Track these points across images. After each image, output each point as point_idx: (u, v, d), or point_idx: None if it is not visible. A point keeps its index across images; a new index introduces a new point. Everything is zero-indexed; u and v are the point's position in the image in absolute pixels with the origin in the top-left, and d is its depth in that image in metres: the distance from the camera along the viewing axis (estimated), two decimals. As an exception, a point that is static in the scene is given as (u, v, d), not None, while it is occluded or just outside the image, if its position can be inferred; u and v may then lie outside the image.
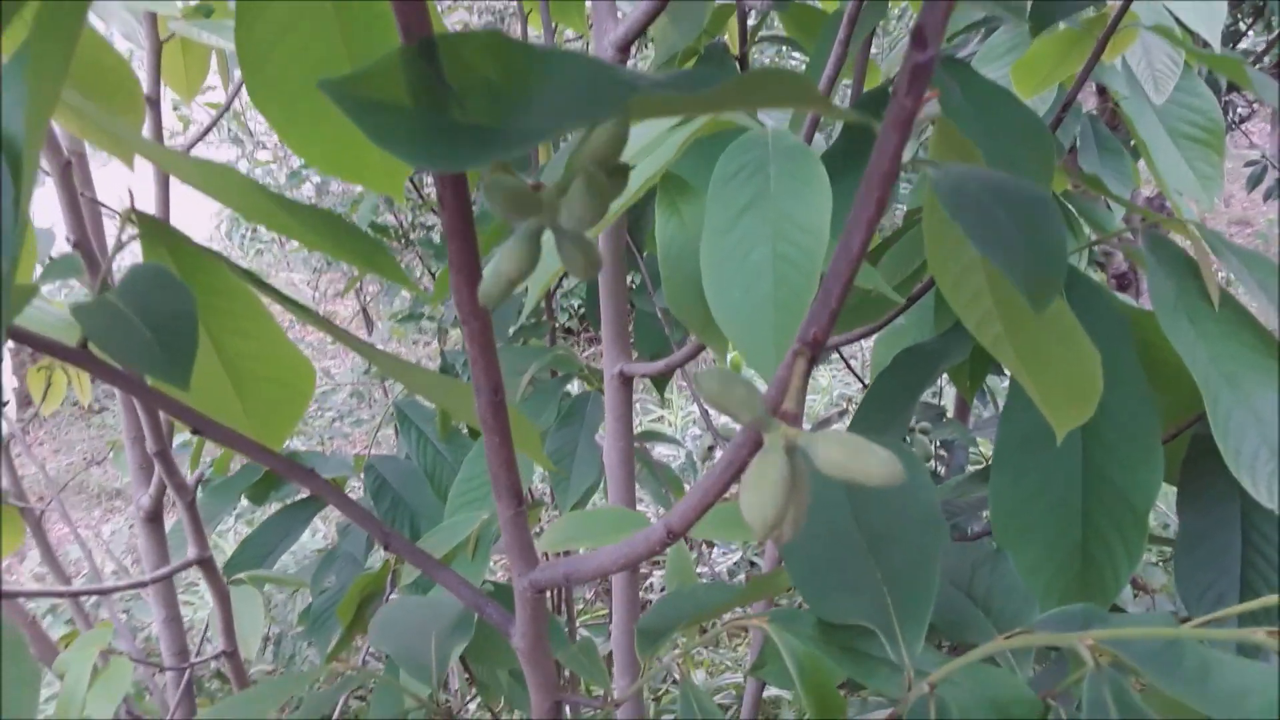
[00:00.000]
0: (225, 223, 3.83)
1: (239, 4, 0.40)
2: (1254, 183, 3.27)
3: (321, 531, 2.18)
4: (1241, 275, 0.64)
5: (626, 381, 0.76)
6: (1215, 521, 0.69)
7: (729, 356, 3.34)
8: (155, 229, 0.41)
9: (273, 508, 1.44)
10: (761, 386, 0.35)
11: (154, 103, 0.98)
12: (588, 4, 0.88)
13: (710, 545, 2.38)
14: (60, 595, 0.76)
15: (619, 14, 0.73)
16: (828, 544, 0.46)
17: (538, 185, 0.27)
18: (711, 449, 2.27)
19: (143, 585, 0.79)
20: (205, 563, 0.82)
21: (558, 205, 0.26)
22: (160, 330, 0.33)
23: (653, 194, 0.96)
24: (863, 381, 1.46)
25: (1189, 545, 0.69)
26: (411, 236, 1.61)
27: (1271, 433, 0.58)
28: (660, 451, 2.43)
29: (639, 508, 1.07)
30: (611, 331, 0.76)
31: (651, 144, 0.60)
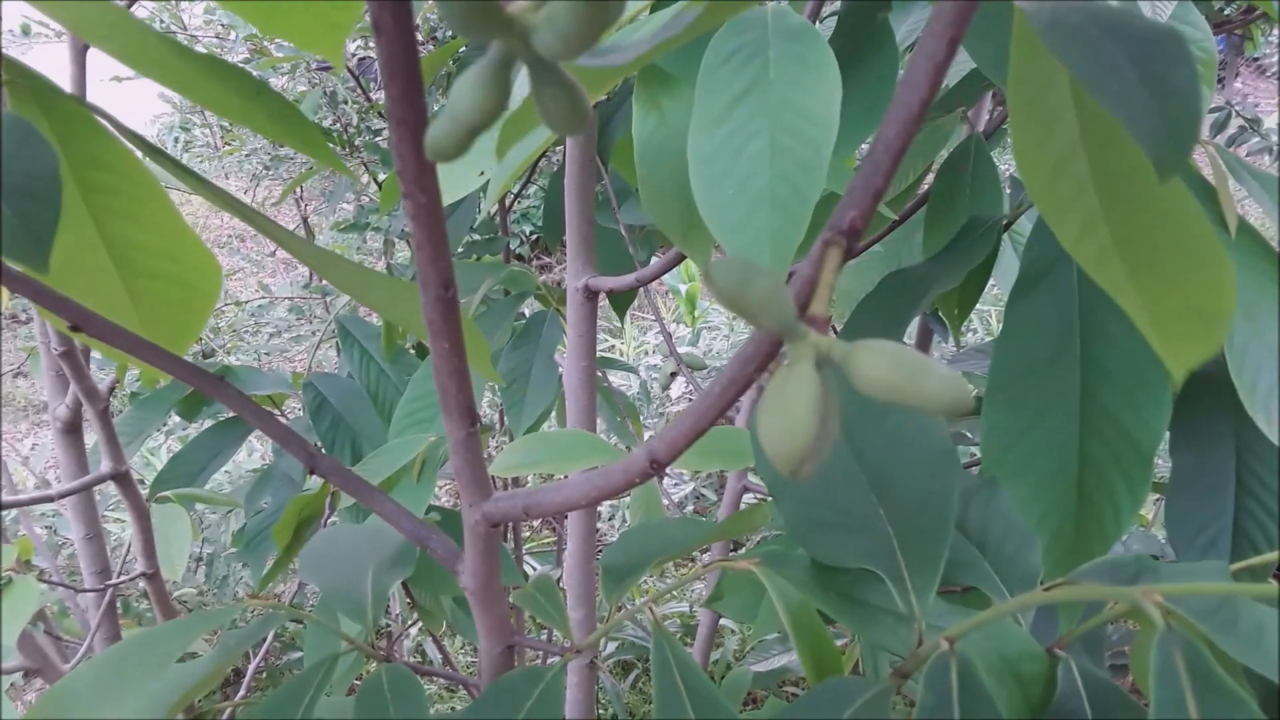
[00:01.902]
0: (160, 129, 3.62)
1: None
2: (1217, 129, 3.26)
3: (259, 451, 2.10)
4: (1262, 199, 0.59)
5: (591, 296, 0.70)
6: (1209, 462, 0.65)
7: (684, 289, 3.27)
8: (26, 79, 0.34)
9: (207, 425, 1.36)
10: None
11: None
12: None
13: (660, 476, 2.34)
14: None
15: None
16: (822, 478, 0.40)
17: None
18: (674, 375, 2.22)
19: (49, 500, 0.72)
20: (121, 477, 0.75)
21: (535, 23, 0.19)
22: (14, 196, 0.26)
23: (623, 98, 0.89)
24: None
25: (1181, 485, 0.66)
26: (356, 142, 1.50)
27: (1290, 371, 0.54)
28: (613, 380, 2.37)
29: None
30: (577, 241, 0.69)
31: (628, 26, 0.53)
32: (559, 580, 1.26)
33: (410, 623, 1.84)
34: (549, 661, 0.68)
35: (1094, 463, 0.58)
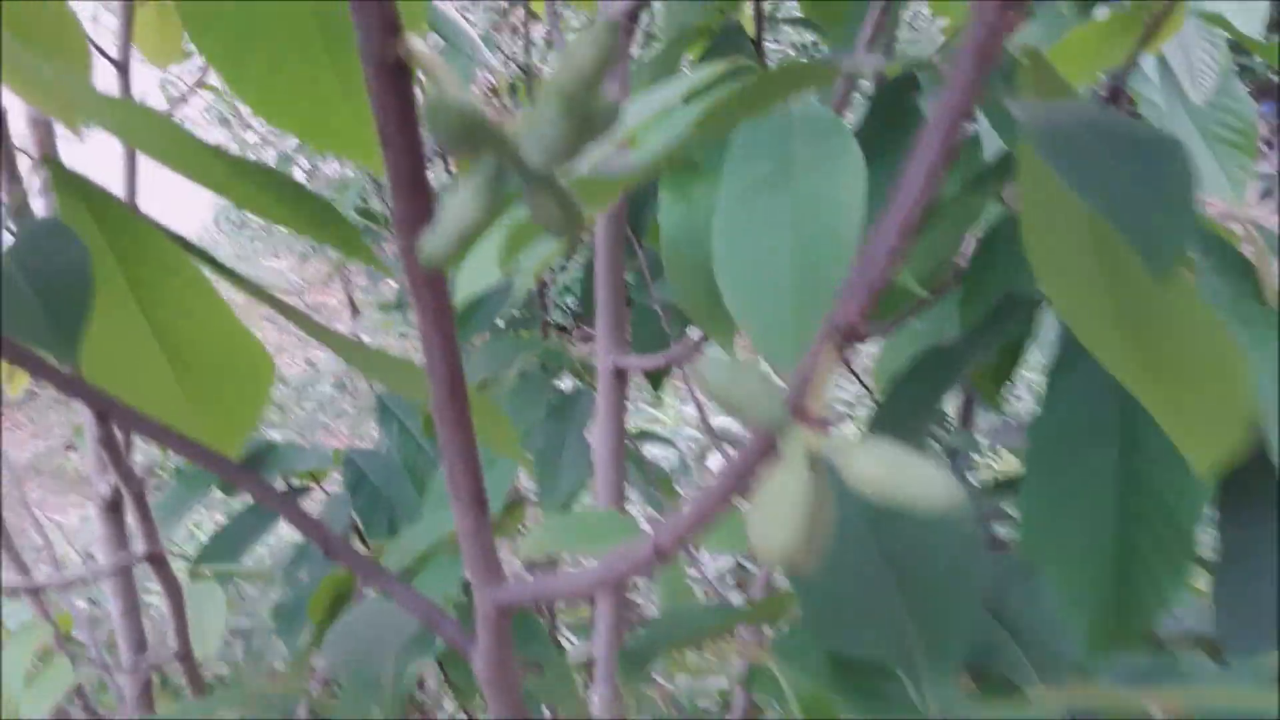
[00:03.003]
0: (217, 210, 3.75)
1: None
2: (1263, 196, 3.22)
3: (301, 523, 2.11)
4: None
5: (621, 376, 0.70)
6: (1255, 540, 0.63)
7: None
8: (71, 182, 0.35)
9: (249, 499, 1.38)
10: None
11: (122, 68, 0.92)
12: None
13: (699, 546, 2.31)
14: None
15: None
16: (841, 566, 0.40)
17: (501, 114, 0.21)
18: (708, 451, 2.21)
19: (83, 582, 0.73)
20: (155, 558, 0.76)
21: (522, 135, 0.20)
22: (48, 292, 0.27)
23: (653, 180, 0.90)
24: (864, 384, 1.40)
25: (1227, 563, 0.64)
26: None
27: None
28: (653, 452, 2.36)
29: (627, 508, 1.01)
30: (607, 321, 0.70)
31: (658, 119, 0.54)
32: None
33: (444, 697, 1.82)
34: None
35: (1133, 541, 0.57)
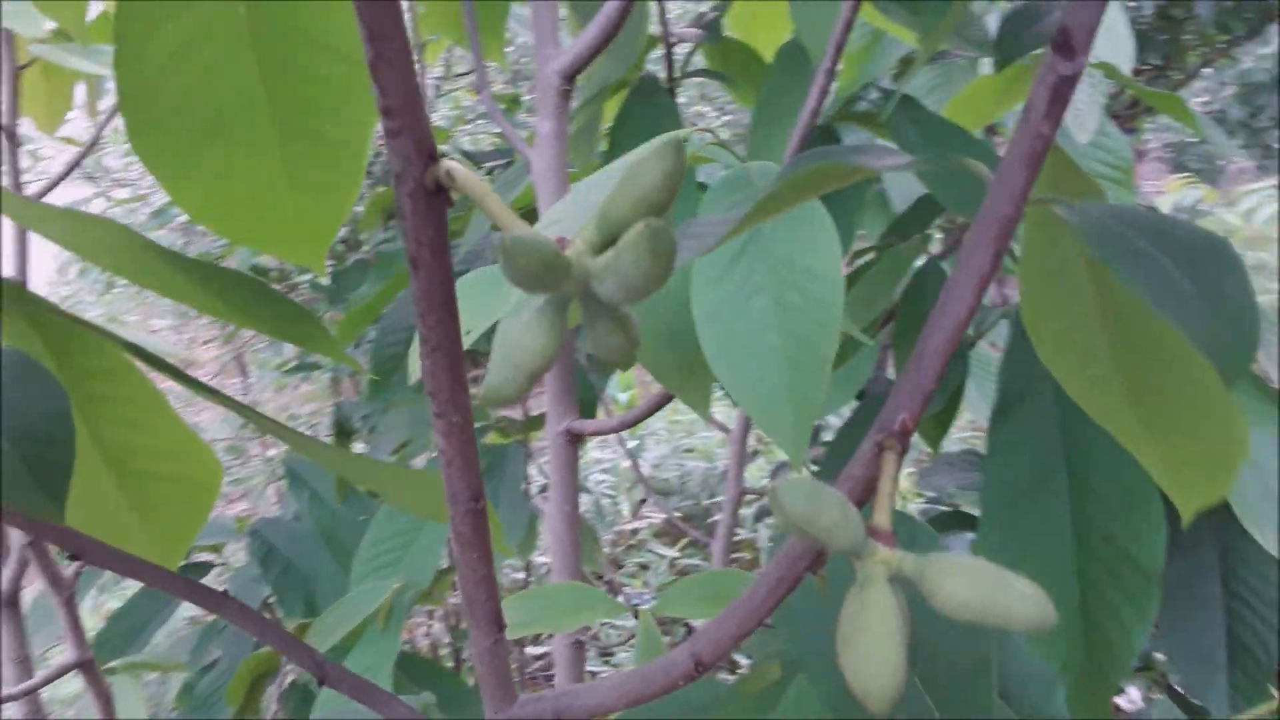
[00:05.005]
0: (77, 263, 3.53)
1: (121, 19, 0.31)
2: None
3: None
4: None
5: (573, 440, 0.69)
6: (1195, 571, 0.66)
7: (624, 398, 3.25)
8: (14, 297, 0.32)
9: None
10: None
11: (11, 135, 0.86)
12: (514, 34, 0.81)
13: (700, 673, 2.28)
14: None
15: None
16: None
17: (562, 241, 0.20)
18: (643, 502, 2.19)
19: (12, 699, 0.67)
20: (87, 665, 0.70)
21: (597, 269, 0.19)
22: (25, 442, 0.24)
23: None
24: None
25: (1170, 596, 0.66)
26: (296, 279, 1.45)
27: (1272, 480, 0.55)
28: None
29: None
30: (557, 385, 0.68)
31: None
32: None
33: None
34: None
35: (1094, 584, 0.58)
